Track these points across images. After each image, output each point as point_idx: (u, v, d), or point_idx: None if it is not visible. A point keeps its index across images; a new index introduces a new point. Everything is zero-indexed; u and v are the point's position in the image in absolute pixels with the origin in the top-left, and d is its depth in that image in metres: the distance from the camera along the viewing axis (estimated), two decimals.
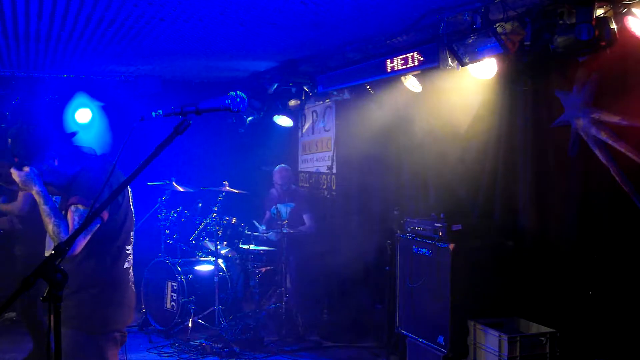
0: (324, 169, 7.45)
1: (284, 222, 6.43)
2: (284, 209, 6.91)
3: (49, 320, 1.87)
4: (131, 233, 2.90)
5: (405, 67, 4.80)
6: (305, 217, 6.92)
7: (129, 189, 2.95)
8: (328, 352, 5.86)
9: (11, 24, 4.47)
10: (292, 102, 6.77)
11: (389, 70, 4.98)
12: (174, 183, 6.47)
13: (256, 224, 6.90)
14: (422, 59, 4.60)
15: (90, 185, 2.68)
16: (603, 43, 3.45)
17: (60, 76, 6.80)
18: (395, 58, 4.88)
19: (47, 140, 2.76)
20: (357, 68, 5.41)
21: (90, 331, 2.73)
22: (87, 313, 2.73)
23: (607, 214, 3.96)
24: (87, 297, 2.72)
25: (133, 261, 2.96)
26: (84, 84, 6.93)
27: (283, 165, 7.17)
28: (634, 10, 3.40)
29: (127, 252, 2.86)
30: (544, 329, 4.19)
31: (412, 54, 4.69)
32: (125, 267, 2.85)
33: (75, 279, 2.68)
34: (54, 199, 2.72)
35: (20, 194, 4.54)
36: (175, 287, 6.24)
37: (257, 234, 6.69)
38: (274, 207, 6.89)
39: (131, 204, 2.94)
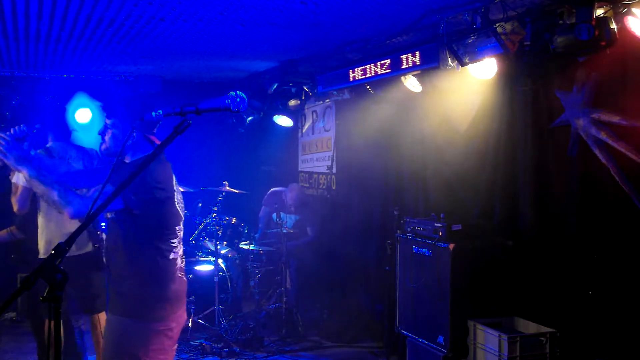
0: (324, 169, 7.45)
1: (290, 231, 6.41)
2: (289, 219, 6.89)
3: (50, 320, 1.87)
4: (177, 227, 2.93)
5: (405, 67, 4.80)
6: (308, 229, 6.91)
7: (176, 186, 2.98)
8: (328, 352, 5.86)
9: (11, 24, 4.47)
10: (292, 102, 6.76)
11: (389, 70, 4.98)
12: None
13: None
14: (422, 59, 4.60)
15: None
16: (603, 43, 3.45)
17: (60, 76, 6.80)
18: (395, 58, 4.88)
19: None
20: (357, 68, 5.40)
21: (133, 318, 2.79)
22: (129, 301, 2.80)
23: (607, 213, 3.96)
24: (128, 287, 2.80)
25: None
26: (84, 84, 6.94)
27: (295, 185, 7.08)
28: (634, 10, 3.40)
29: (173, 244, 2.89)
30: (544, 329, 4.19)
31: (412, 54, 4.69)
32: (171, 258, 2.88)
33: (120, 268, 2.82)
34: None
35: (19, 187, 4.43)
36: None
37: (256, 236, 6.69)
38: (280, 212, 6.82)
39: (177, 200, 2.97)
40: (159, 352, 2.82)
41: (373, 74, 5.17)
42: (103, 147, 2.94)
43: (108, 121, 2.92)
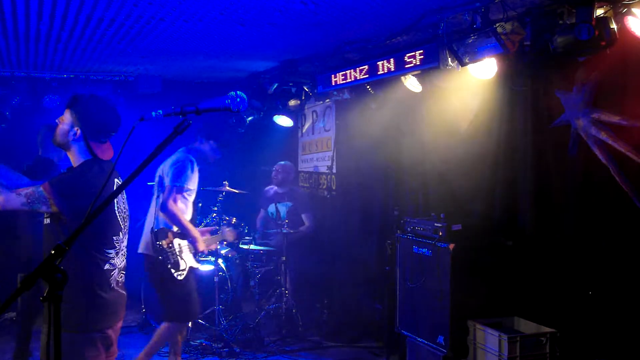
0: (324, 169, 7.45)
1: (285, 222, 6.43)
2: (282, 209, 6.91)
3: (49, 320, 1.87)
4: (115, 237, 2.89)
5: (405, 67, 4.80)
6: (304, 216, 6.91)
7: (119, 195, 2.93)
8: (328, 352, 5.86)
9: (11, 24, 4.47)
10: (292, 102, 6.76)
11: (389, 70, 4.98)
12: None
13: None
14: (422, 59, 4.60)
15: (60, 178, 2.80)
16: (603, 43, 3.45)
17: (60, 76, 6.80)
18: (395, 58, 4.88)
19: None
20: (357, 68, 5.40)
21: (67, 330, 2.71)
22: (64, 313, 2.73)
23: (607, 213, 3.96)
24: (64, 298, 2.73)
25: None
26: (84, 84, 6.93)
27: (284, 162, 7.17)
28: (634, 10, 3.40)
29: (109, 254, 2.86)
30: (544, 329, 4.19)
31: (412, 54, 4.69)
32: (105, 268, 2.84)
33: None
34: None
35: None
36: None
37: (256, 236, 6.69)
38: (272, 205, 6.87)
39: (117, 208, 2.92)
40: (95, 359, 2.81)
41: (373, 74, 5.17)
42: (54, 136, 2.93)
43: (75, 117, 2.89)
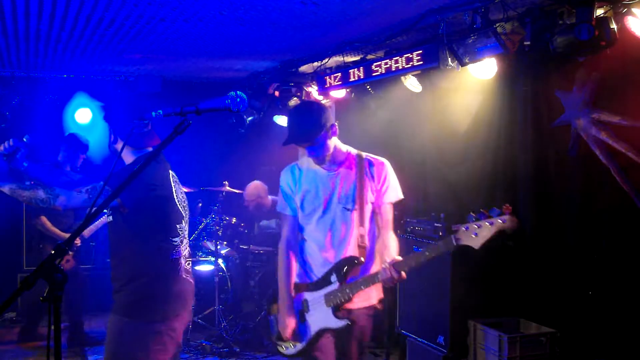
0: None
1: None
2: (273, 223, 6.89)
3: (49, 320, 1.87)
4: (178, 225, 2.92)
5: (405, 67, 4.80)
6: None
7: (173, 185, 2.96)
8: None
9: (11, 24, 4.47)
10: (292, 102, 6.76)
11: (389, 71, 4.97)
12: None
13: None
14: (422, 59, 4.60)
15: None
16: (603, 43, 3.44)
17: (60, 76, 6.80)
18: (395, 58, 4.88)
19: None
20: (357, 68, 5.40)
21: (134, 319, 2.79)
22: (132, 302, 2.81)
23: (607, 214, 3.96)
24: (132, 288, 2.81)
25: None
26: (84, 84, 6.93)
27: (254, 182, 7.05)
28: (634, 10, 3.40)
29: (174, 242, 2.89)
30: (544, 329, 4.19)
31: (412, 54, 4.69)
32: (173, 257, 2.88)
33: (123, 272, 2.84)
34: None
35: None
36: None
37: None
38: (263, 220, 6.79)
39: (178, 199, 2.96)
40: (160, 353, 2.81)
41: (373, 74, 5.17)
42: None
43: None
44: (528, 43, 3.83)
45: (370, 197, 3.14)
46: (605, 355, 3.88)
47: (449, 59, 4.40)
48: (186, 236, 3.03)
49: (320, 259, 3.16)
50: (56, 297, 1.85)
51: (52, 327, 1.86)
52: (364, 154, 3.27)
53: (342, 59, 5.71)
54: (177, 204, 2.96)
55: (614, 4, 3.48)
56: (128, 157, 2.95)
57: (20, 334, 5.98)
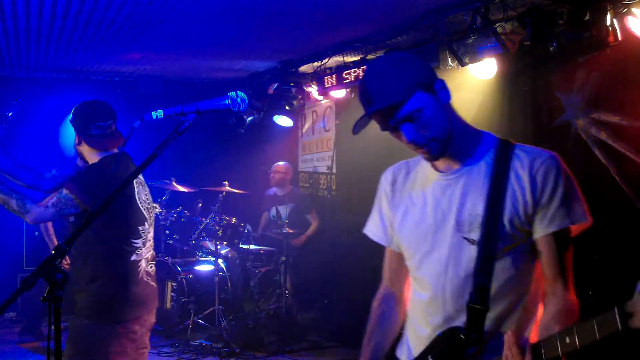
0: (324, 169, 7.45)
1: (285, 223, 6.42)
2: (283, 211, 6.90)
3: (49, 320, 1.87)
4: (140, 227, 2.91)
5: None
6: (309, 217, 6.89)
7: (136, 186, 2.95)
8: (328, 352, 5.86)
9: (11, 24, 4.47)
10: (292, 102, 6.76)
11: None
12: (174, 183, 6.46)
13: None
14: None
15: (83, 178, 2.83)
16: (603, 43, 3.45)
17: (60, 76, 6.80)
18: None
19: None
20: (357, 68, 5.40)
21: (92, 320, 2.78)
22: (91, 304, 2.79)
23: (607, 214, 3.95)
24: (92, 289, 2.79)
25: None
26: (84, 84, 6.93)
27: (282, 163, 7.16)
28: (634, 10, 3.40)
29: (135, 244, 2.87)
30: None
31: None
32: (132, 259, 2.86)
33: (84, 272, 2.81)
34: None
35: None
36: (175, 287, 6.23)
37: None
38: (273, 208, 6.86)
39: (140, 200, 2.95)
40: (119, 355, 2.78)
41: None
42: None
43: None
44: (528, 43, 3.83)
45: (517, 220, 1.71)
46: (605, 355, 3.87)
47: (449, 59, 4.40)
48: (150, 239, 3.00)
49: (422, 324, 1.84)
50: (56, 297, 1.85)
51: (52, 327, 1.85)
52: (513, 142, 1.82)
53: (342, 59, 5.71)
54: (140, 205, 2.94)
55: (614, 4, 3.48)
56: (93, 158, 2.94)
57: (21, 334, 5.99)
